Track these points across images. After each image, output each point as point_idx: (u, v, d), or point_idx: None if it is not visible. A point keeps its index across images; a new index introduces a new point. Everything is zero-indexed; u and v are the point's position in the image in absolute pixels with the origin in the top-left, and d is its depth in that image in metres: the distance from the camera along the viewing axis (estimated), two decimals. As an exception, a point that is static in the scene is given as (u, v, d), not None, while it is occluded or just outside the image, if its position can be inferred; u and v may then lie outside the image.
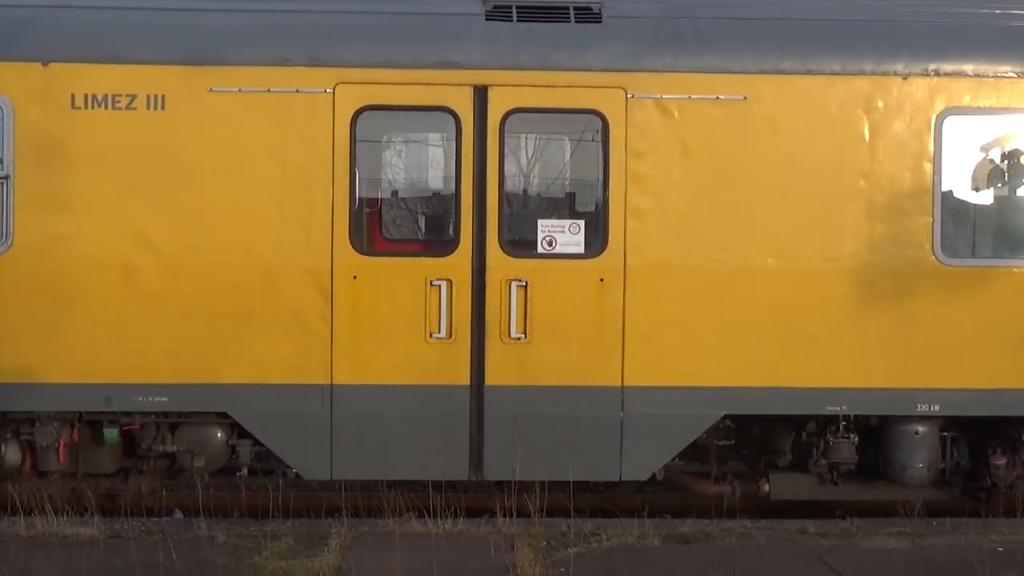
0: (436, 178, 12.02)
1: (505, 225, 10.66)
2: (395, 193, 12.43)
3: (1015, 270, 10.64)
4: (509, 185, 11.11)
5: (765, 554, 9.49)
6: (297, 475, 10.79)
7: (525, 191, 12.31)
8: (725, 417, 10.89)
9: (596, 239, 10.71)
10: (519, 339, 10.56)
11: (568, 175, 12.22)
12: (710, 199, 10.60)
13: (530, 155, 12.42)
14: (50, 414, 10.53)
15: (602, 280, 10.62)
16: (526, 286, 10.52)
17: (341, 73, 10.38)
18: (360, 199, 10.59)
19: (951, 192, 10.88)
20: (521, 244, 10.86)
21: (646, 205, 10.65)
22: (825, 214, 10.53)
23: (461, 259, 10.60)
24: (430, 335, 10.56)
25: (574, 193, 11.81)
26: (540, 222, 10.73)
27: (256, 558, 9.31)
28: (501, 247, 10.65)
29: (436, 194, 12.12)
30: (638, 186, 10.58)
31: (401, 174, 12.56)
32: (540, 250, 10.64)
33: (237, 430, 10.82)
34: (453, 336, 10.59)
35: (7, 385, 10.29)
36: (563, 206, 11.92)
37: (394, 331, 10.51)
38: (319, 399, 10.47)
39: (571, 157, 11.99)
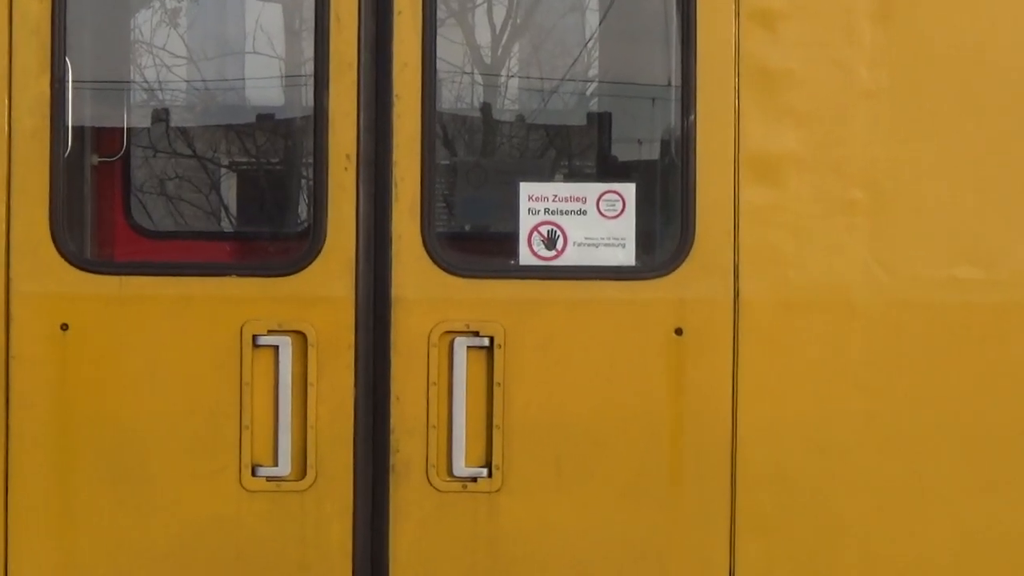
0: (267, 81, 9.20)
1: (436, 197, 7.00)
2: (164, 117, 9.90)
3: None
4: (449, 97, 9.27)
5: None
6: None
7: (487, 112, 9.99)
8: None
9: (665, 231, 6.97)
10: (474, 481, 6.63)
11: (594, 73, 9.92)
12: (947, 136, 6.71)
13: (500, 26, 9.74)
14: None
15: (680, 333, 6.66)
16: (492, 348, 6.65)
17: None
18: (80, 132, 7.34)
19: None
20: (479, 243, 8.15)
21: (787, 147, 6.62)
22: None
23: (330, 281, 6.61)
24: (254, 471, 6.56)
25: (608, 115, 9.11)
26: (525, 188, 6.75)
27: None
28: (429, 251, 6.62)
29: (267, 119, 9.63)
30: (768, 99, 6.67)
31: (181, 71, 9.65)
32: (525, 258, 6.67)
33: None
34: (311, 474, 6.59)
35: None
36: (582, 151, 9.95)
37: (163, 460, 6.59)
38: (-31, 637, 6.72)
39: (600, 31, 9.55)
